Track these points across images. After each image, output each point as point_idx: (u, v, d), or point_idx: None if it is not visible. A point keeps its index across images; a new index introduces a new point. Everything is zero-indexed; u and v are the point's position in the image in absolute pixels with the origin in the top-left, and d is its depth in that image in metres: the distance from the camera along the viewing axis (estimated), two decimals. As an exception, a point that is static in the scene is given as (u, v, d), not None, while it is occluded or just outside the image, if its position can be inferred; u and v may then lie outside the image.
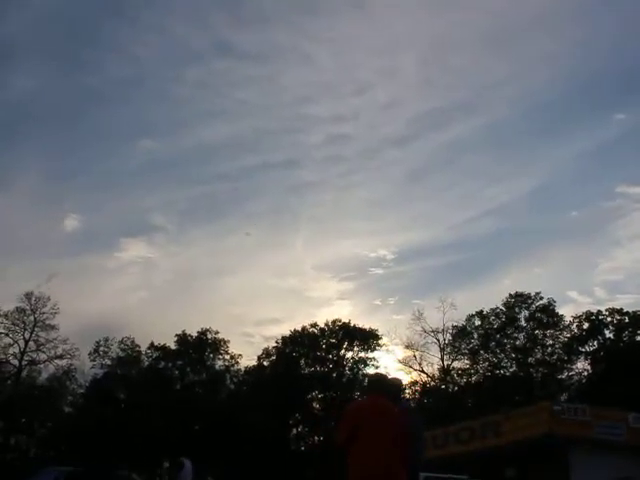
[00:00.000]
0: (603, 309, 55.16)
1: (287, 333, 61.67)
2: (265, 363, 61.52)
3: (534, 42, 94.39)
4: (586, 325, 54.46)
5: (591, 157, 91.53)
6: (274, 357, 61.18)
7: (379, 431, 6.07)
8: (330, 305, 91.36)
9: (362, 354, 60.59)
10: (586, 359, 54.41)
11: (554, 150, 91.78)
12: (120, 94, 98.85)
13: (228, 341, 62.29)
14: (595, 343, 54.07)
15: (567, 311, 78.66)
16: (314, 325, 61.51)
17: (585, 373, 54.68)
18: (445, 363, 57.90)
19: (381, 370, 57.60)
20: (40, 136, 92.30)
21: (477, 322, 57.95)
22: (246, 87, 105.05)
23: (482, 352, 57.19)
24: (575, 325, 55.09)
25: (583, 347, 54.48)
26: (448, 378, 58.26)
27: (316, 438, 58.18)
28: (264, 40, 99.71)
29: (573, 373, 55.19)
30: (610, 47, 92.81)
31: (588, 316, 54.67)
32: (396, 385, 8.33)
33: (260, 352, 62.38)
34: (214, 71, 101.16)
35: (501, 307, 57.39)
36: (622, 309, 54.07)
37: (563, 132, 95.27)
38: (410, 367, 58.28)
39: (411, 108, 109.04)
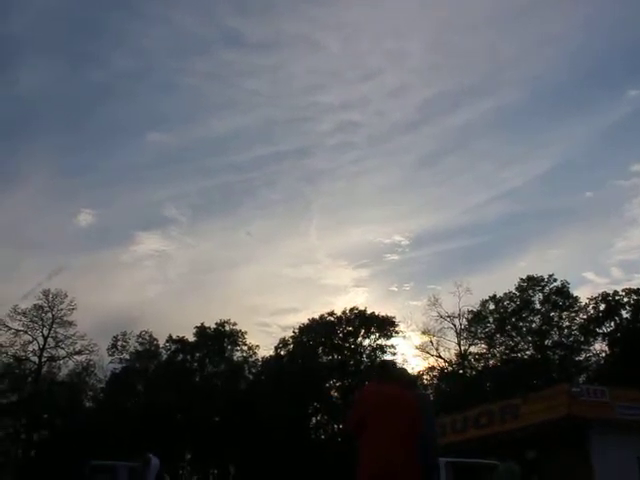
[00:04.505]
0: (620, 289, 55.13)
1: (303, 322, 62.04)
2: (282, 353, 61.67)
3: (540, 22, 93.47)
4: (602, 306, 54.32)
5: (604, 136, 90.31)
6: (291, 347, 61.40)
7: (387, 422, 5.76)
8: (346, 293, 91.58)
9: (379, 341, 60.63)
10: (603, 340, 54.29)
11: (566, 131, 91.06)
12: (128, 87, 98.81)
13: (245, 332, 62.76)
14: (612, 324, 53.94)
15: (584, 292, 78.24)
16: (331, 313, 61.58)
17: (603, 354, 54.62)
18: (462, 348, 58.01)
19: (398, 356, 58.02)
20: (50, 132, 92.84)
21: (492, 306, 58.04)
22: (255, 77, 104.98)
23: (498, 336, 57.20)
24: (591, 306, 55.02)
25: (600, 328, 54.34)
26: (465, 363, 58.32)
27: (335, 426, 58.43)
28: (272, 29, 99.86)
29: (591, 354, 55.17)
30: (618, 23, 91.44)
31: (604, 297, 54.53)
32: (405, 373, 8.29)
33: (277, 342, 62.73)
34: (223, 62, 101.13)
35: (514, 291, 57.46)
36: (639, 289, 53.93)
37: (575, 112, 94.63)
38: (427, 353, 58.55)
39: (420, 93, 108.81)
